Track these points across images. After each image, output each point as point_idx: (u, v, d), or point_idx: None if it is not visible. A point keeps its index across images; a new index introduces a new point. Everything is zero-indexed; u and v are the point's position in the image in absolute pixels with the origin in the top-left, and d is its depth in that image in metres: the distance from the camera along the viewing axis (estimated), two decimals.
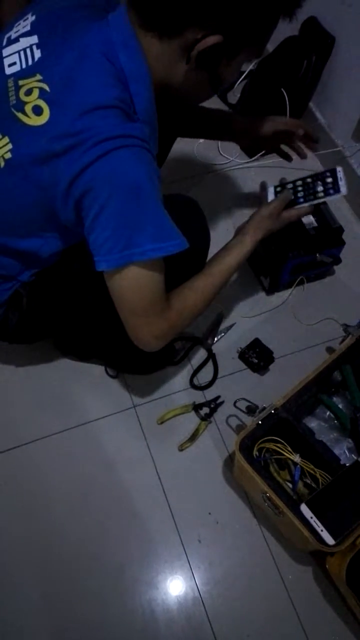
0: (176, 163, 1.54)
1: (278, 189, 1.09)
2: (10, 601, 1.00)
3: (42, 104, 0.71)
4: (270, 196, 1.09)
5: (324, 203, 1.30)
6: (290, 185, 1.08)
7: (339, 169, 1.05)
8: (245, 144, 1.14)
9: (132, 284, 0.78)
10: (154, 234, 0.74)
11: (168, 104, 0.82)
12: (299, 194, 1.06)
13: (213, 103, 0.88)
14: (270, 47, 1.55)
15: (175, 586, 1.03)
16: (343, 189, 1.04)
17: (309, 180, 1.06)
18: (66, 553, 1.04)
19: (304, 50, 1.46)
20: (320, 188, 1.05)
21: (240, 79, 1.52)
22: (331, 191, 1.04)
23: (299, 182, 1.07)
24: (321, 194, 1.05)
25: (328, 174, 1.05)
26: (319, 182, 1.05)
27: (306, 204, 1.05)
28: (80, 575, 1.03)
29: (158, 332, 0.85)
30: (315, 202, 1.05)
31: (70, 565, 1.03)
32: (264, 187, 1.10)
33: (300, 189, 1.06)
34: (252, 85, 1.57)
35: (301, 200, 1.06)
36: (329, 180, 1.05)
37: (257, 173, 1.12)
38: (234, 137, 1.15)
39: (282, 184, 1.10)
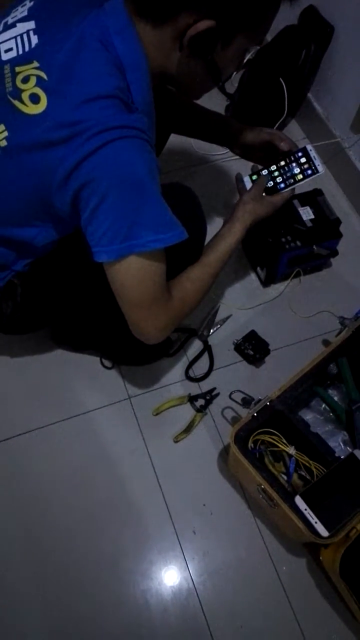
0: (173, 153, 1.53)
1: (254, 177, 1.09)
2: (3, 594, 1.00)
3: (40, 92, 0.70)
4: (248, 185, 1.09)
5: (321, 194, 1.30)
6: (265, 172, 1.08)
7: (310, 147, 1.05)
8: (238, 153, 1.15)
9: (135, 275, 0.77)
10: (155, 225, 0.73)
11: (166, 98, 0.81)
12: (278, 179, 1.07)
13: (210, 91, 0.87)
14: (268, 36, 1.53)
15: (169, 577, 1.03)
16: (320, 167, 1.04)
17: (282, 164, 1.06)
18: (60, 544, 1.04)
19: (302, 39, 1.44)
20: (297, 170, 1.06)
21: (240, 68, 1.50)
22: (309, 172, 1.05)
23: (274, 168, 1.07)
24: (300, 176, 1.05)
25: (300, 154, 1.06)
26: (294, 164, 1.06)
27: (288, 189, 1.05)
28: (74, 566, 1.03)
29: (161, 323, 0.85)
30: (296, 185, 1.06)
31: (64, 556, 1.03)
32: (239, 178, 1.10)
33: (276, 174, 1.07)
34: (250, 75, 1.55)
35: (282, 185, 1.06)
36: (303, 160, 1.05)
37: (254, 165, 1.12)
38: (227, 143, 1.15)
39: (257, 172, 1.09)
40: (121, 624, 0.99)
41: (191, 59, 0.74)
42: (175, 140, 1.20)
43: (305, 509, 0.90)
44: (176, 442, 1.15)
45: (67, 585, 1.01)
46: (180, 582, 1.03)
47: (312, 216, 1.26)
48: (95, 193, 0.69)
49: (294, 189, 1.06)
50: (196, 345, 1.28)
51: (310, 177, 1.05)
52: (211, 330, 1.29)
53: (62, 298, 1.00)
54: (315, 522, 0.88)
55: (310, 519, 0.89)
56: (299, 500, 0.91)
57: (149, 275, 0.78)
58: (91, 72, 0.70)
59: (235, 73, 0.83)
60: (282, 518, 0.95)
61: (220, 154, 1.56)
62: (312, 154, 1.05)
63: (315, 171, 1.05)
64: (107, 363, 1.22)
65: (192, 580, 1.03)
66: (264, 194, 1.04)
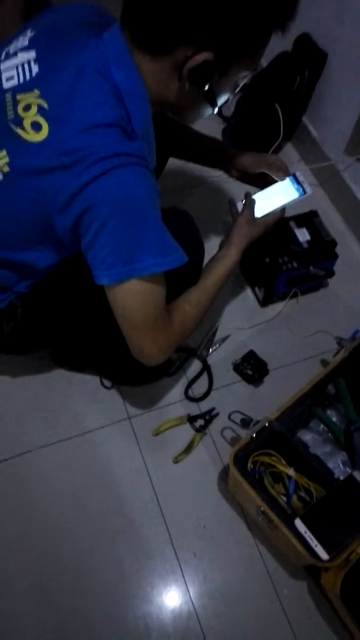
0: (170, 174, 1.54)
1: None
2: (4, 616, 0.99)
3: (41, 120, 0.72)
4: (241, 210, 1.12)
5: (317, 216, 1.32)
6: (256, 194, 1.12)
7: (298, 173, 1.12)
8: (234, 176, 1.18)
9: (135, 298, 0.79)
10: (155, 250, 0.75)
11: (164, 124, 0.82)
12: (270, 201, 1.12)
13: (208, 116, 0.89)
14: (264, 62, 1.57)
15: (169, 600, 1.02)
16: (308, 189, 1.11)
17: (274, 187, 1.12)
18: (60, 566, 1.03)
19: (297, 65, 1.48)
20: (287, 192, 1.11)
21: (234, 95, 1.53)
22: (298, 193, 1.12)
23: (266, 190, 1.13)
24: (291, 197, 1.11)
25: (291, 178, 1.12)
26: (285, 187, 1.12)
27: (278, 208, 1.10)
28: (74, 590, 1.01)
29: (161, 345, 0.86)
30: (285, 205, 1.11)
31: (64, 579, 1.02)
32: (232, 203, 1.13)
33: (269, 196, 1.12)
34: (246, 100, 1.58)
35: (273, 206, 1.11)
36: (293, 184, 1.12)
37: (250, 186, 1.15)
38: (224, 167, 1.19)
39: (249, 197, 1.13)
40: None
41: (189, 88, 0.76)
42: (172, 161, 1.22)
43: (305, 532, 0.89)
44: (176, 462, 1.14)
45: (66, 609, 1.00)
46: (180, 606, 1.02)
47: (309, 237, 1.28)
48: (96, 218, 0.71)
49: (284, 208, 1.11)
50: (195, 365, 1.28)
51: (299, 198, 1.11)
52: (210, 350, 1.29)
53: (62, 318, 1.01)
54: (316, 545, 0.88)
55: (310, 541, 0.89)
56: (298, 523, 0.90)
57: (149, 299, 0.79)
58: (91, 100, 0.71)
59: (231, 98, 0.86)
60: (282, 540, 0.95)
61: (216, 175, 1.58)
62: (301, 178, 1.12)
63: (304, 192, 1.11)
64: (107, 383, 1.23)
65: (193, 603, 1.02)
66: (256, 215, 1.08)
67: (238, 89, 0.83)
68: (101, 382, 1.23)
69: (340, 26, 1.38)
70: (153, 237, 0.75)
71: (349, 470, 1.06)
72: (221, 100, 0.83)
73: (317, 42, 1.47)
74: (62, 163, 0.70)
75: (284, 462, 1.01)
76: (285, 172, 1.11)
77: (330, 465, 1.03)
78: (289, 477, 1.01)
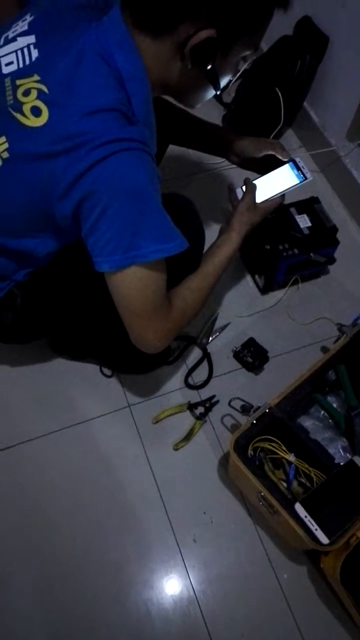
0: (171, 162, 1.54)
1: (244, 188, 1.12)
2: (5, 601, 1.00)
3: (41, 105, 0.71)
4: (240, 195, 1.12)
5: (318, 202, 1.32)
6: (257, 180, 1.12)
7: (298, 159, 1.12)
8: (235, 162, 1.17)
9: (136, 285, 0.78)
10: (156, 236, 0.74)
11: (164, 110, 0.81)
12: (270, 186, 1.11)
13: (208, 101, 0.88)
14: (264, 46, 1.55)
15: (170, 586, 1.03)
16: (308, 175, 1.11)
17: (274, 173, 1.12)
18: (61, 553, 1.04)
19: (298, 49, 1.46)
20: (287, 178, 1.11)
21: (235, 78, 1.52)
22: (298, 179, 1.11)
23: (267, 176, 1.12)
24: (291, 183, 1.11)
25: (291, 164, 1.12)
26: (285, 173, 1.11)
27: (278, 195, 1.10)
28: (75, 576, 1.02)
29: (162, 333, 0.86)
30: (286, 191, 1.10)
31: (65, 565, 1.03)
32: (231, 189, 1.13)
33: (269, 182, 1.12)
34: (247, 85, 1.56)
35: (273, 192, 1.10)
36: (294, 170, 1.12)
37: (250, 173, 1.14)
38: (225, 153, 1.18)
39: (249, 183, 1.12)
40: (123, 634, 0.99)
41: (192, 68, 0.76)
42: (172, 148, 1.21)
43: (305, 516, 0.90)
44: (176, 450, 1.15)
45: (68, 594, 1.01)
46: (181, 591, 1.03)
47: (309, 224, 1.27)
48: (97, 204, 0.70)
49: (284, 195, 1.10)
50: (195, 353, 1.28)
51: (300, 184, 1.10)
52: (210, 338, 1.29)
53: (62, 307, 1.01)
54: (316, 529, 0.89)
55: (310, 526, 0.89)
56: (298, 508, 0.91)
57: (150, 285, 0.79)
58: (91, 85, 0.70)
59: (232, 81, 0.85)
60: (282, 525, 0.95)
61: (216, 162, 1.57)
62: (301, 164, 1.11)
63: (304, 178, 1.10)
64: (106, 371, 1.23)
65: (193, 588, 1.03)
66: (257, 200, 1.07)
67: (240, 72, 0.82)
68: (101, 370, 1.23)
69: (341, 9, 1.36)
70: (154, 223, 0.74)
71: (349, 456, 1.06)
72: (223, 81, 0.82)
73: (319, 25, 1.45)
74: (62, 148, 0.69)
75: (284, 448, 1.01)
76: (287, 154, 1.11)
77: (331, 450, 1.04)
78: (290, 463, 1.01)
